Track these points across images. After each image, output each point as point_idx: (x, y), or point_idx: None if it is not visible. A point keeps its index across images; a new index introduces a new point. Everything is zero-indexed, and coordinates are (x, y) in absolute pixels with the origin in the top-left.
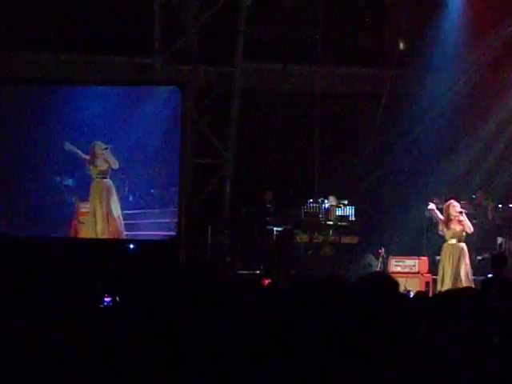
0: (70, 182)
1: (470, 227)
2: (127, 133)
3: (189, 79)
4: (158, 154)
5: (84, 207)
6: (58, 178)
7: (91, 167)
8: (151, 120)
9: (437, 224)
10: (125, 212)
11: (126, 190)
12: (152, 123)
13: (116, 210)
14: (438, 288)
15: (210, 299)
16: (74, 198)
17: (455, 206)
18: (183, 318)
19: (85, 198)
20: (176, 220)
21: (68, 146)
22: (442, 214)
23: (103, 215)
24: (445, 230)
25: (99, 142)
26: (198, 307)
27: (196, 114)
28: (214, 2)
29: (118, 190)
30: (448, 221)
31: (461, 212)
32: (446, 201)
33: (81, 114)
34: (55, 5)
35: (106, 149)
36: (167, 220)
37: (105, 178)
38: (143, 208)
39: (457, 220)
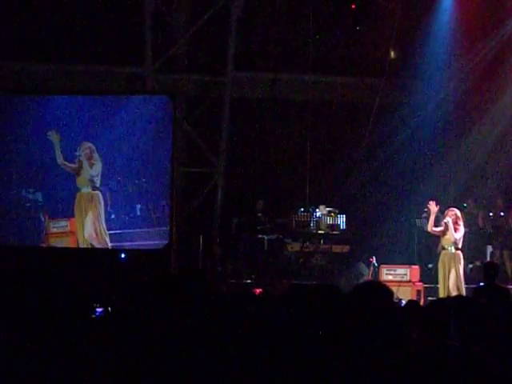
0: (38, 196)
1: (459, 240)
2: (117, 142)
3: (180, 88)
4: (149, 164)
5: (55, 227)
6: (23, 192)
7: (78, 179)
8: (142, 129)
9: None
10: (114, 224)
11: (118, 201)
12: (143, 132)
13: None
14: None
15: (201, 309)
16: (42, 215)
17: (455, 215)
18: (176, 327)
19: (56, 215)
20: (167, 229)
21: (61, 160)
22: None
23: (93, 229)
24: (441, 236)
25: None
26: (190, 317)
27: (187, 123)
28: (205, 12)
29: (107, 200)
30: (445, 228)
31: (458, 218)
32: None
33: (71, 123)
34: (47, 14)
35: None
36: (158, 229)
37: (93, 189)
38: (134, 217)
39: (453, 227)
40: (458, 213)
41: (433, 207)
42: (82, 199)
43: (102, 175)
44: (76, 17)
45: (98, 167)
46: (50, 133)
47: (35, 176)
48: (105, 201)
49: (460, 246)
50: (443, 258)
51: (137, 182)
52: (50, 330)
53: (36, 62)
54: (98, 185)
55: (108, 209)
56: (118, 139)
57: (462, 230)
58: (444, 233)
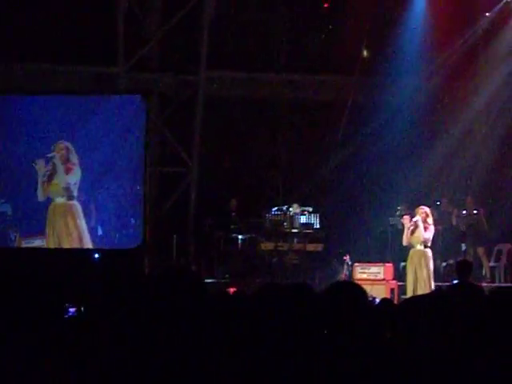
0: (6, 208)
1: (428, 239)
2: (90, 142)
3: (152, 88)
4: (122, 163)
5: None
6: None
7: (49, 186)
8: (115, 129)
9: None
10: (102, 242)
11: (92, 205)
12: (116, 132)
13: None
14: (407, 294)
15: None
16: (12, 233)
17: (428, 212)
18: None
19: (29, 232)
20: (141, 229)
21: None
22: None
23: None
24: (411, 236)
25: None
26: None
27: (160, 122)
28: (177, 10)
29: (90, 213)
30: (415, 226)
31: (427, 216)
32: (412, 210)
33: (42, 124)
34: (19, 14)
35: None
36: (132, 229)
37: (69, 199)
38: (126, 235)
39: (422, 225)
40: (428, 211)
41: (406, 221)
42: (55, 212)
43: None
44: (48, 16)
45: (76, 173)
46: (35, 161)
47: (3, 185)
48: (87, 214)
49: (429, 245)
50: (412, 256)
51: (110, 181)
52: (21, 330)
53: (8, 62)
54: (75, 194)
55: (93, 224)
56: (91, 140)
57: (431, 228)
58: (413, 231)
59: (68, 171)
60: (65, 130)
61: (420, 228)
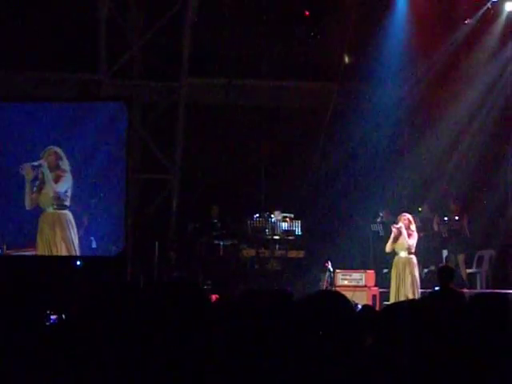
0: None
1: (412, 245)
2: (72, 150)
3: (134, 94)
4: (104, 170)
5: None
6: None
7: (39, 196)
8: (97, 136)
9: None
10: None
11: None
12: (98, 139)
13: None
14: (390, 301)
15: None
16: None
17: (407, 219)
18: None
19: (16, 246)
20: (122, 236)
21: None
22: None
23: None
24: (394, 239)
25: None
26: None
27: (142, 129)
28: (159, 18)
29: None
30: (398, 234)
31: (410, 223)
32: (394, 216)
33: (28, 132)
34: (2, 23)
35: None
36: (113, 236)
37: (60, 208)
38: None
39: (405, 232)
40: (411, 218)
41: (394, 230)
42: (44, 221)
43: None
44: (31, 24)
45: (67, 180)
46: (21, 166)
47: None
48: (79, 225)
49: (413, 251)
50: (397, 264)
51: (92, 188)
52: (1, 337)
53: None
54: (67, 203)
55: (86, 235)
56: (76, 147)
57: (415, 235)
58: (397, 238)
59: (58, 179)
60: (51, 138)
61: (404, 235)
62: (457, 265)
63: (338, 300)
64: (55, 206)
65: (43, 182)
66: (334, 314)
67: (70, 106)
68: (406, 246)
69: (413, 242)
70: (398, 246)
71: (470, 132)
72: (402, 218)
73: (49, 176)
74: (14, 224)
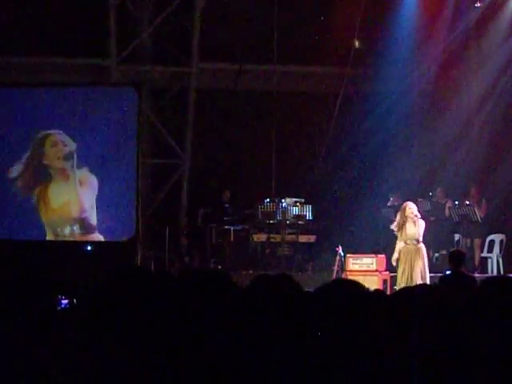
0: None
1: (420, 234)
2: (85, 135)
3: (144, 80)
4: (114, 155)
5: None
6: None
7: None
8: (107, 121)
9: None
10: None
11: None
12: (108, 124)
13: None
14: (396, 287)
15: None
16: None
17: (411, 208)
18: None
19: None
20: (134, 221)
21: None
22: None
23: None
24: (400, 231)
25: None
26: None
27: (152, 114)
28: (169, 3)
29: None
30: (403, 223)
31: (416, 215)
32: (404, 199)
33: (34, 116)
34: (10, 6)
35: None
36: (124, 221)
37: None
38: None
39: (412, 222)
40: (414, 206)
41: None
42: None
43: None
44: (41, 9)
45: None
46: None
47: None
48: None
49: (421, 239)
50: (405, 253)
51: (102, 173)
52: (14, 322)
53: (0, 55)
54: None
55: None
56: (85, 132)
57: (422, 223)
58: (404, 228)
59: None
60: (61, 123)
61: (415, 225)
62: (468, 249)
63: (354, 288)
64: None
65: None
66: (346, 301)
67: (81, 92)
68: (416, 237)
69: (421, 230)
70: (407, 237)
71: (481, 116)
72: (407, 210)
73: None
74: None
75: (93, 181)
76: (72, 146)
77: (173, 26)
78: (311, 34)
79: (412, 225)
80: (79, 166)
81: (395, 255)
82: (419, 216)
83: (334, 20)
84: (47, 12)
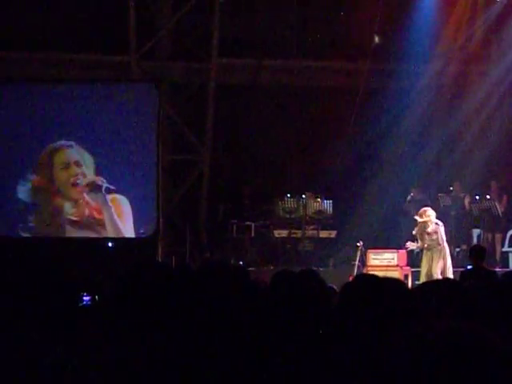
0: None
1: (443, 239)
2: (103, 131)
3: (164, 76)
4: (134, 151)
5: None
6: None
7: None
8: (127, 117)
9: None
10: None
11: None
12: (128, 120)
13: None
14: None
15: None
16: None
17: (430, 216)
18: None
19: None
20: (154, 217)
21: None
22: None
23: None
24: (421, 237)
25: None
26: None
27: (172, 110)
28: None
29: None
30: (422, 229)
31: (436, 223)
32: (425, 195)
33: (54, 113)
34: (30, 3)
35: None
36: (145, 217)
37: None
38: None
39: (432, 229)
40: (433, 213)
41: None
42: None
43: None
44: (60, 5)
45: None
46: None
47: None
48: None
49: (444, 241)
50: (428, 251)
51: (122, 170)
52: (36, 319)
53: (19, 51)
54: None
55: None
56: (105, 129)
57: (442, 229)
58: (425, 233)
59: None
60: (82, 119)
61: (431, 231)
62: (489, 244)
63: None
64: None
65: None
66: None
67: (101, 88)
68: (437, 242)
69: (442, 235)
70: (427, 241)
71: (501, 111)
72: (426, 217)
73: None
74: None
75: (126, 205)
76: (90, 166)
77: (192, 21)
78: (331, 28)
79: (432, 231)
80: (107, 190)
81: (413, 244)
82: (439, 223)
83: (353, 15)
84: (67, 8)
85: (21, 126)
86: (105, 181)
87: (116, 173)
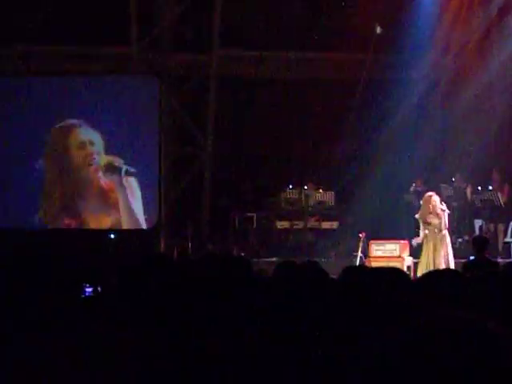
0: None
1: (445, 225)
2: (104, 123)
3: (165, 67)
4: (136, 144)
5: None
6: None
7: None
8: (129, 110)
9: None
10: None
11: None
12: (130, 113)
13: None
14: (418, 274)
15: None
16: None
17: (435, 201)
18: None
19: None
20: (156, 209)
21: None
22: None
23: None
24: (423, 221)
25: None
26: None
27: (174, 102)
28: None
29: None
30: (426, 213)
31: (440, 208)
32: (427, 186)
33: (56, 105)
34: None
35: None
36: (147, 209)
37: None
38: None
39: (435, 213)
40: (437, 198)
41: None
42: None
43: None
44: None
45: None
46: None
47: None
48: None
49: (445, 228)
50: (429, 240)
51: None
52: (38, 310)
53: (20, 44)
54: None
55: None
56: (106, 121)
57: (446, 214)
58: (428, 218)
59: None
60: (83, 111)
61: (435, 216)
62: (492, 234)
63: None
64: None
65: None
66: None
67: (102, 80)
68: (440, 227)
69: (446, 221)
70: (430, 227)
71: (502, 102)
72: (432, 202)
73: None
74: None
75: (137, 188)
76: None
77: (193, 12)
78: (332, 19)
79: (436, 216)
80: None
81: (418, 239)
82: (444, 208)
83: (355, 5)
84: (67, 0)
85: (23, 117)
86: (122, 162)
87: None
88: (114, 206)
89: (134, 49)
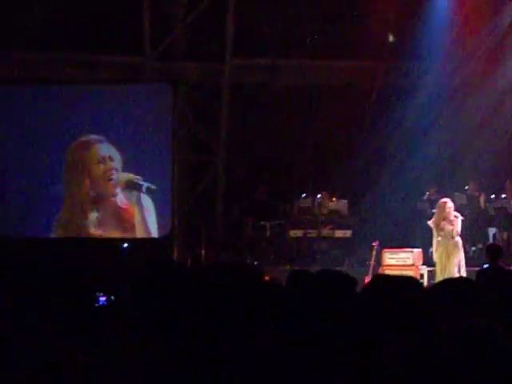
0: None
1: (458, 232)
2: (117, 132)
3: (178, 76)
4: (149, 152)
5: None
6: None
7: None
8: (142, 118)
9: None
10: None
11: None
12: (143, 121)
13: None
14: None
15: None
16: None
17: (450, 208)
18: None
19: None
20: (169, 217)
21: None
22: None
23: None
24: (437, 228)
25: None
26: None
27: (187, 110)
28: None
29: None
30: (440, 219)
31: (454, 215)
32: (441, 194)
33: (70, 114)
34: (46, 3)
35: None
36: (160, 217)
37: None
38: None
39: (449, 220)
40: (452, 205)
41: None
42: None
43: None
44: (74, 5)
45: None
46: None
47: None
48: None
49: (458, 235)
50: (442, 248)
51: (138, 171)
52: (52, 319)
53: (32, 51)
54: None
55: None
56: (120, 130)
57: (459, 221)
58: (442, 225)
59: None
60: (96, 121)
61: (448, 222)
62: (505, 242)
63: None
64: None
65: None
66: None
67: (115, 89)
68: (453, 234)
69: (459, 228)
70: (443, 233)
71: None
72: (447, 209)
73: None
74: None
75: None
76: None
77: (206, 21)
78: (345, 27)
79: (449, 223)
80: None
81: (433, 250)
82: (458, 215)
83: (367, 13)
84: (81, 9)
85: (41, 127)
86: (141, 179)
87: (131, 173)
88: (129, 222)
89: (147, 57)
